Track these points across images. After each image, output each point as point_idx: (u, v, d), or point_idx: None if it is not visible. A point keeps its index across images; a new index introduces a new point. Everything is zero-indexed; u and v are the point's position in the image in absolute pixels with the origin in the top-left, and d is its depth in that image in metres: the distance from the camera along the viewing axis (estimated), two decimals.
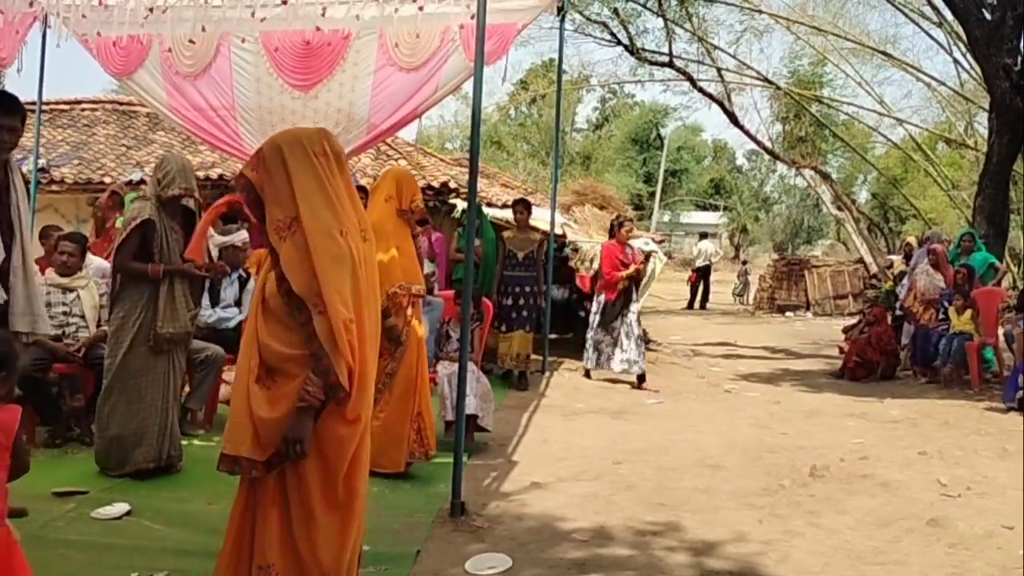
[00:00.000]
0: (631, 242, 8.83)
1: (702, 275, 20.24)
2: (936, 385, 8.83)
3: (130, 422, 4.61)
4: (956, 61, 18.19)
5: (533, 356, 8.33)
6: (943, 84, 19.49)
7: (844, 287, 18.53)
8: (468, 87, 7.93)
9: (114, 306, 4.73)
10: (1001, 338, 8.77)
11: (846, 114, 22.11)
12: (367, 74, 7.23)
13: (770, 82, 20.24)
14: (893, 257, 14.63)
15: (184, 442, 5.05)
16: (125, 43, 7.46)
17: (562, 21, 9.31)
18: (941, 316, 9.20)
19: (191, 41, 7.40)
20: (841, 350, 10.46)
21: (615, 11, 17.43)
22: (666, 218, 39.98)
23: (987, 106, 12.03)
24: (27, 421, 5.00)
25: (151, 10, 7.09)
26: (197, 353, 5.55)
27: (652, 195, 36.69)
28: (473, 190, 4.79)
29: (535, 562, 3.70)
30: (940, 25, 17.25)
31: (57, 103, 13.20)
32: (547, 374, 8.62)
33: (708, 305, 20.07)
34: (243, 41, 7.32)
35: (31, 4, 7.28)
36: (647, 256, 9.25)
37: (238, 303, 6.34)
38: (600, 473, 5.22)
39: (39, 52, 7.72)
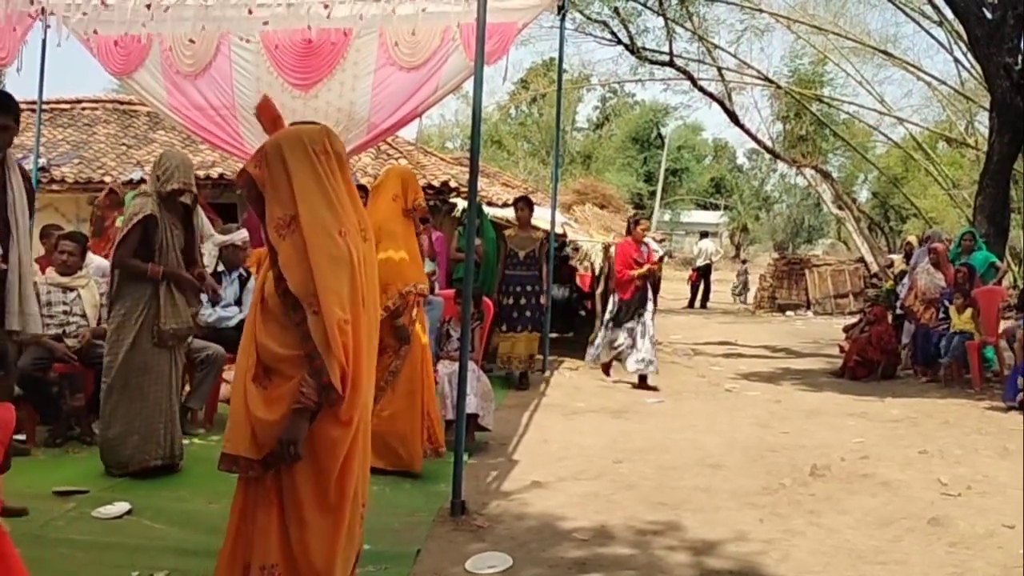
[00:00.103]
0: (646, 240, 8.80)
1: (703, 274, 20.23)
2: (936, 384, 8.83)
3: (134, 420, 4.61)
4: (957, 60, 18.24)
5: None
6: (944, 83, 19.55)
7: (845, 286, 18.51)
8: (468, 86, 7.95)
9: (114, 303, 4.70)
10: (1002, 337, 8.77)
11: (847, 113, 22.16)
12: (367, 73, 7.23)
13: (771, 81, 20.24)
14: (894, 256, 14.63)
15: (184, 441, 5.05)
16: (125, 42, 7.48)
17: (562, 20, 9.29)
18: (942, 315, 9.18)
19: (191, 40, 7.41)
20: (842, 349, 10.45)
21: (615, 10, 17.45)
22: (667, 217, 39.96)
23: (988, 105, 12.03)
24: (28, 421, 5.04)
25: (148, 6, 7.09)
26: (197, 352, 5.56)
27: (652, 194, 36.65)
28: (473, 189, 4.78)
29: (535, 561, 3.69)
30: (941, 24, 17.26)
31: (57, 102, 13.17)
32: (547, 373, 8.62)
33: (709, 304, 20.06)
34: (245, 41, 7.33)
35: (31, 3, 7.28)
36: (662, 257, 9.21)
37: (238, 302, 6.33)
38: (600, 472, 5.22)
39: (39, 51, 7.73)
